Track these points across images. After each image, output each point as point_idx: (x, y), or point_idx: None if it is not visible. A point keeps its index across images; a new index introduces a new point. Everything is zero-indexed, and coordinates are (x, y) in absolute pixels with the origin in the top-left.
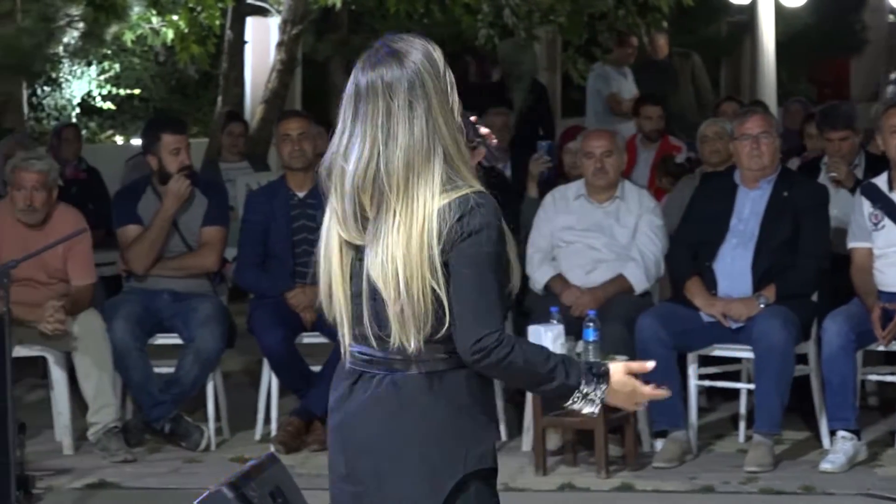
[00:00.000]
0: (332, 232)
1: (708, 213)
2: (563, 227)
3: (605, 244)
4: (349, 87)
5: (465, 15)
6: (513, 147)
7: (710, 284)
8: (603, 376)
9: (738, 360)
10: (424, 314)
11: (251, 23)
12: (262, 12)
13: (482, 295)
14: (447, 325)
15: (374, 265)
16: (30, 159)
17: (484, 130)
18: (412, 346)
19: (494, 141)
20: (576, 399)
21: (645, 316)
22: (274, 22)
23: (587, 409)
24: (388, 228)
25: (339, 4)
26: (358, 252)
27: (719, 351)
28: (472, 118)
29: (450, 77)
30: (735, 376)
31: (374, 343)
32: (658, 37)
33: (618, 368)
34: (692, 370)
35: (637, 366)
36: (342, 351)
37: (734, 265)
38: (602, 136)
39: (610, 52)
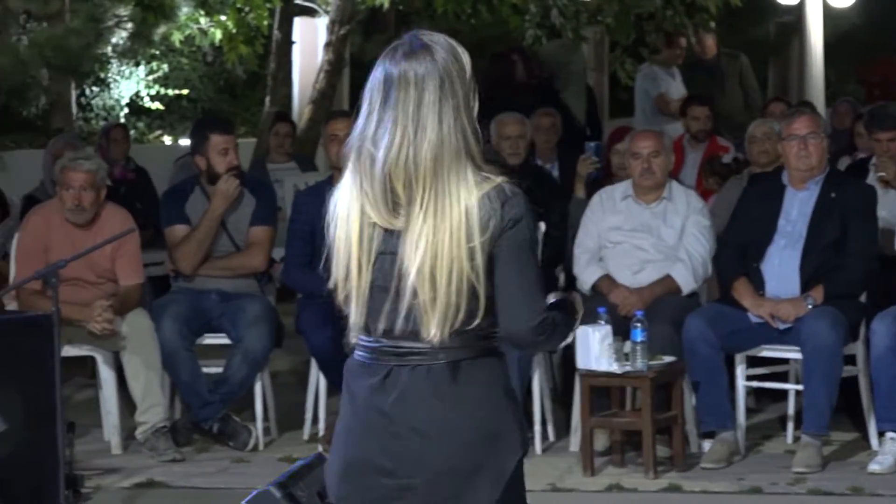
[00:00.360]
0: (353, 214)
1: (756, 214)
2: (610, 228)
3: (652, 245)
4: (377, 75)
5: (513, 15)
6: (560, 148)
7: (758, 285)
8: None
9: (785, 361)
10: (455, 305)
11: (299, 23)
12: (309, 13)
13: (531, 279)
14: (481, 314)
15: (407, 254)
16: (78, 159)
17: None
18: (435, 335)
19: None
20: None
21: (693, 317)
22: (322, 22)
23: (570, 338)
24: (415, 218)
25: (386, 5)
26: (389, 236)
27: (767, 352)
28: None
29: (473, 82)
30: (783, 377)
31: (410, 335)
32: (706, 37)
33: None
34: (740, 371)
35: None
36: (349, 339)
37: (782, 266)
38: (649, 136)
39: (658, 52)
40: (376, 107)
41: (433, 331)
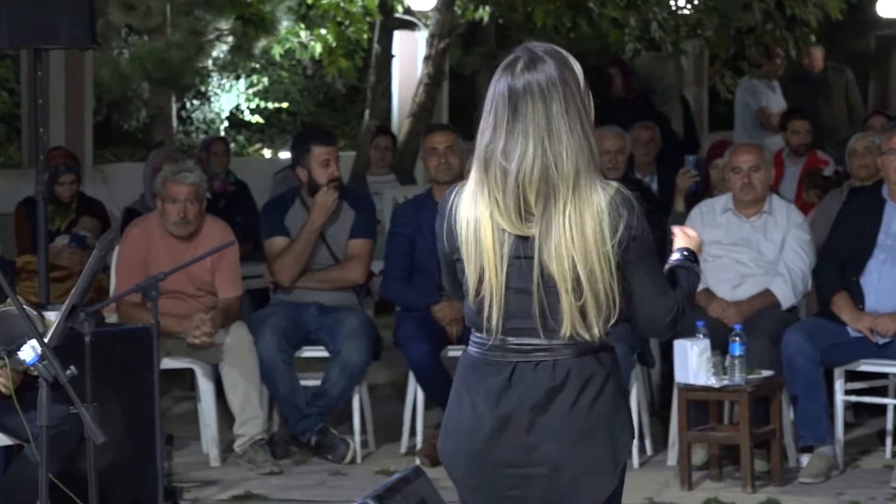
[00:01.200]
0: (483, 221)
1: (855, 228)
2: (710, 242)
3: (752, 259)
4: (500, 88)
5: (613, 29)
6: (659, 161)
7: (858, 299)
8: (693, 258)
9: (884, 376)
10: (607, 305)
11: (399, 36)
12: (409, 26)
13: (662, 277)
14: (617, 312)
15: (551, 259)
16: (181, 172)
17: None
18: (593, 335)
19: None
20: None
21: (791, 331)
22: (421, 36)
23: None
24: (559, 224)
25: (486, 18)
26: (522, 243)
27: (866, 366)
28: None
29: (587, 88)
30: (882, 391)
31: (540, 333)
32: (815, 50)
33: (691, 240)
34: (839, 385)
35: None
36: (484, 338)
37: (881, 280)
38: (750, 150)
39: (758, 66)
40: (504, 119)
41: (591, 330)
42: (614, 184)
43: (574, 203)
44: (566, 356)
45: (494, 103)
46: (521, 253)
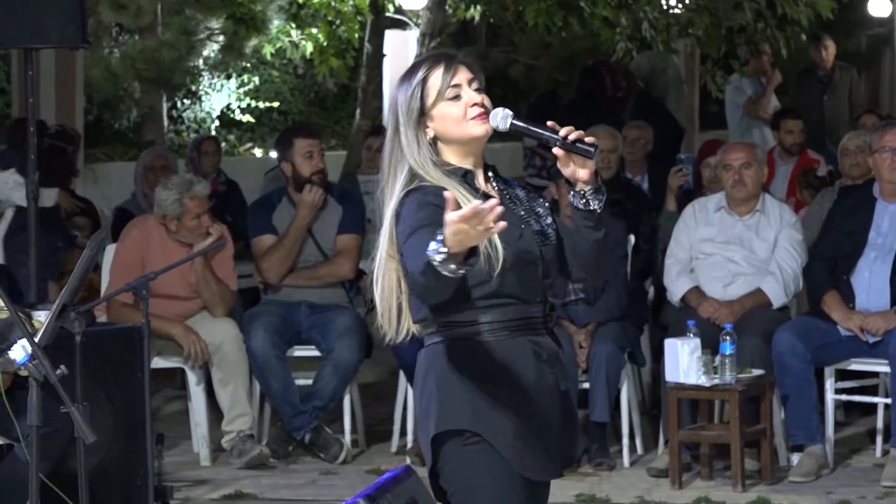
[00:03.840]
0: None
1: (846, 227)
2: (702, 239)
3: (744, 257)
4: None
5: (604, 28)
6: (649, 161)
7: (848, 298)
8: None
9: (875, 375)
10: (391, 309)
11: (390, 36)
12: (400, 25)
13: (415, 253)
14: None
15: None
16: (191, 185)
17: (589, 140)
18: (389, 335)
19: (589, 139)
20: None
21: (782, 330)
22: (412, 35)
23: (448, 269)
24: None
25: (477, 17)
26: None
27: (856, 365)
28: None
29: (420, 94)
30: (872, 390)
31: None
32: (830, 44)
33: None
34: (829, 384)
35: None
36: None
37: (872, 279)
38: (741, 148)
39: (745, 63)
40: None
41: (387, 329)
42: (406, 189)
43: (388, 199)
44: (421, 347)
45: None
46: None
